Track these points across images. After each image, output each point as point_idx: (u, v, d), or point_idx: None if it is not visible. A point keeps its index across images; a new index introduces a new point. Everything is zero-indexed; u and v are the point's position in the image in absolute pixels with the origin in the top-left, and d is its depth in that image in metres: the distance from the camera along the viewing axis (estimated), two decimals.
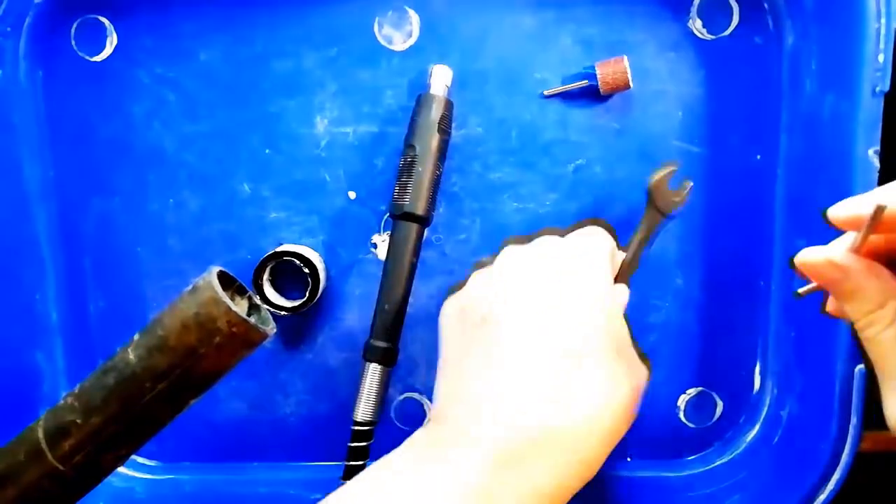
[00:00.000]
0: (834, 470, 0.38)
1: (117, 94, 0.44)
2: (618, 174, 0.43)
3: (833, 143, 0.38)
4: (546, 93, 0.43)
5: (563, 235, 0.39)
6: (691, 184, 0.40)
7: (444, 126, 0.41)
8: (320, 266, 0.43)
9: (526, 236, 0.41)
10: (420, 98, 0.41)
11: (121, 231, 0.45)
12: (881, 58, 0.35)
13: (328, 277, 0.45)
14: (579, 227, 0.39)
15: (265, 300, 0.43)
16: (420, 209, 0.41)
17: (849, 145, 0.36)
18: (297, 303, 0.43)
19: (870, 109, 0.36)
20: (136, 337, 0.28)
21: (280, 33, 0.43)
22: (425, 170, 0.41)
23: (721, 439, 0.46)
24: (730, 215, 0.44)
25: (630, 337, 0.37)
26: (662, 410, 0.46)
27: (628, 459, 0.46)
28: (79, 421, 0.28)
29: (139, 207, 0.45)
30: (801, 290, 0.32)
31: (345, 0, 0.42)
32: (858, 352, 0.37)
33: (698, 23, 0.42)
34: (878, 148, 0.36)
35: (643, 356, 0.37)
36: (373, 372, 0.42)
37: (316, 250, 0.45)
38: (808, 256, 0.29)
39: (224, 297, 0.27)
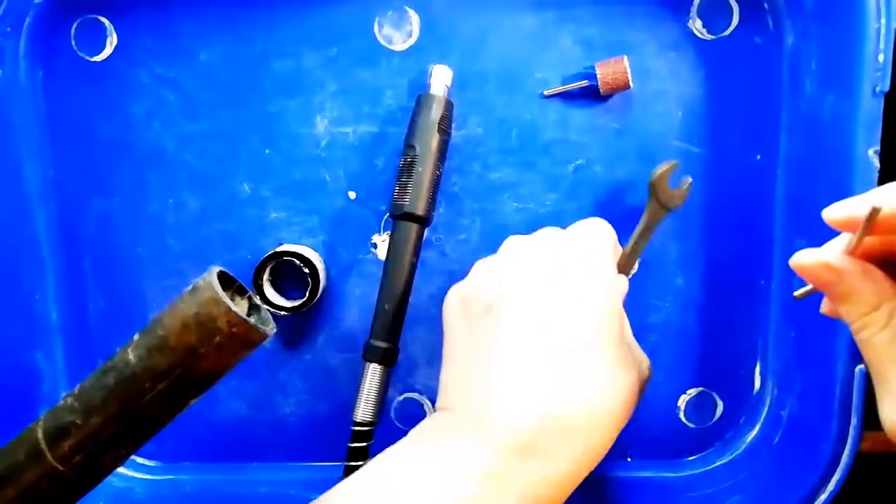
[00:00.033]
0: (834, 470, 0.38)
1: (117, 94, 0.44)
2: (618, 174, 0.43)
3: (833, 143, 0.37)
4: (546, 93, 0.43)
5: None
6: (690, 179, 0.40)
7: (444, 126, 0.41)
8: (320, 266, 0.43)
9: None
10: (420, 98, 0.41)
11: (121, 231, 0.45)
12: (881, 58, 0.35)
13: (328, 277, 0.45)
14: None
15: (265, 300, 0.43)
16: (420, 209, 0.41)
17: (849, 145, 0.36)
18: (297, 303, 0.43)
19: (870, 109, 0.36)
20: (135, 337, 0.28)
21: (280, 33, 0.43)
22: (425, 170, 0.41)
23: (721, 439, 0.46)
24: (730, 215, 0.44)
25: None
26: (663, 410, 0.46)
27: (628, 460, 0.46)
28: (78, 421, 0.28)
29: (139, 207, 0.45)
30: (797, 293, 0.32)
31: (345, 0, 0.42)
32: (859, 352, 0.37)
33: (698, 23, 0.42)
34: (878, 148, 0.36)
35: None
36: (373, 372, 0.42)
37: (316, 250, 0.44)
38: (803, 259, 0.29)
39: (224, 297, 0.27)
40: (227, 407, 0.47)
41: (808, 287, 0.31)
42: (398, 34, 0.43)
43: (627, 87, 0.41)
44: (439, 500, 0.30)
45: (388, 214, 0.44)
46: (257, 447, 0.47)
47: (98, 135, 0.44)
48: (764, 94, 0.42)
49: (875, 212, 0.26)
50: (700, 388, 0.46)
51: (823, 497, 0.39)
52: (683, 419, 0.46)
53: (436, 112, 0.41)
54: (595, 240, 0.37)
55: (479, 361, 0.34)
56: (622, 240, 0.40)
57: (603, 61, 0.41)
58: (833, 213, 0.28)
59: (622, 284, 0.37)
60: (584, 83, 0.42)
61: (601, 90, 0.41)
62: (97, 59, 0.43)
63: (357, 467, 0.41)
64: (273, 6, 0.43)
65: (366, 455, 0.41)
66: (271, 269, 0.43)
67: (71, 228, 0.45)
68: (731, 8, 0.42)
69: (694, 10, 0.42)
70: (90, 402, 0.28)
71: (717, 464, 0.45)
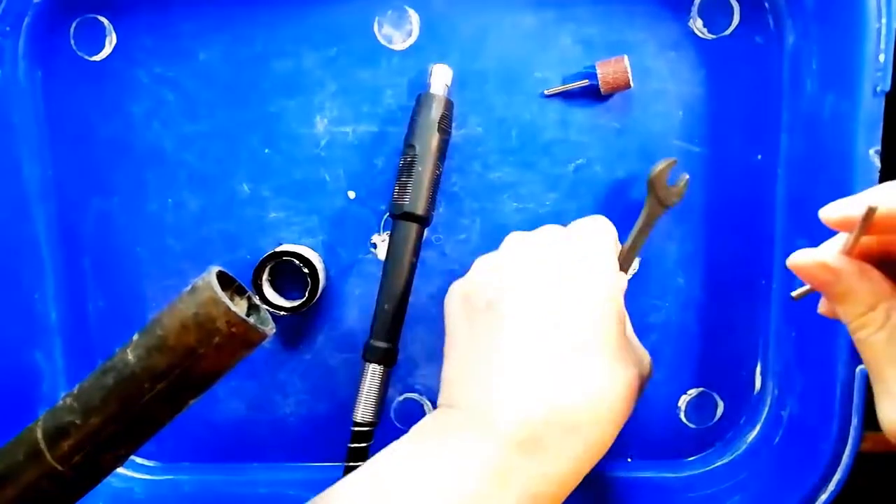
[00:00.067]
0: (835, 471, 0.38)
1: (117, 94, 0.44)
2: (618, 174, 0.43)
3: (834, 143, 0.37)
4: (546, 92, 0.43)
5: None
6: (688, 176, 0.41)
7: (444, 126, 0.41)
8: (320, 266, 0.43)
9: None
10: (420, 98, 0.41)
11: (120, 231, 0.45)
12: (882, 57, 0.35)
13: (328, 277, 0.45)
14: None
15: (264, 300, 0.43)
16: (420, 209, 0.41)
17: (849, 145, 0.36)
18: (296, 303, 0.43)
19: (870, 109, 0.35)
20: (135, 337, 0.28)
21: (280, 33, 0.43)
22: (425, 169, 0.41)
23: (722, 440, 0.46)
24: (730, 215, 0.43)
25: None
26: (663, 411, 0.46)
27: (629, 460, 0.46)
28: (78, 421, 0.28)
29: (139, 207, 0.45)
30: (795, 293, 0.32)
31: (344, 0, 0.42)
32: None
33: (699, 22, 0.42)
34: (878, 148, 0.36)
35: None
36: (373, 372, 0.42)
37: (315, 250, 0.44)
38: (800, 259, 0.29)
39: (223, 297, 0.27)
40: (227, 407, 0.47)
41: (806, 287, 0.31)
42: (398, 33, 0.43)
43: (628, 86, 0.41)
44: (441, 497, 0.30)
45: (387, 214, 0.44)
46: (257, 447, 0.47)
47: (97, 134, 0.44)
48: (764, 94, 0.42)
49: (871, 211, 0.26)
50: (700, 389, 0.46)
51: (824, 497, 0.39)
52: (684, 419, 0.46)
53: (436, 111, 0.41)
54: (596, 238, 0.37)
55: (481, 359, 0.34)
56: (621, 237, 0.40)
57: (603, 61, 0.41)
58: (829, 213, 0.28)
59: (623, 281, 0.37)
60: (585, 83, 0.42)
61: (601, 90, 0.41)
62: (96, 58, 0.43)
63: (357, 468, 0.41)
64: (273, 6, 0.43)
65: (365, 455, 0.41)
66: (271, 269, 0.43)
67: (70, 228, 0.45)
68: (731, 7, 0.42)
69: (694, 9, 0.42)
70: (89, 402, 0.28)
71: (718, 464, 0.45)
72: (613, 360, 0.33)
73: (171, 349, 0.27)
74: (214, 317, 0.27)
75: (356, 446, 0.41)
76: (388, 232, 0.43)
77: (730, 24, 0.42)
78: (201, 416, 0.47)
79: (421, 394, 0.46)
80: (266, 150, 0.44)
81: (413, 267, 0.42)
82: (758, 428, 0.45)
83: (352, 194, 0.44)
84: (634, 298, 0.44)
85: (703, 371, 0.45)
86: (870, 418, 0.35)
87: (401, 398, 0.46)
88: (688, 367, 0.45)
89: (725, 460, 0.45)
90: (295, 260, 0.42)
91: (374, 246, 0.45)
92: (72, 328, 0.46)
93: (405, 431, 0.35)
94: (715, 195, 0.43)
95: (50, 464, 0.28)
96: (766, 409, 0.45)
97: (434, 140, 0.41)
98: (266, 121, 0.43)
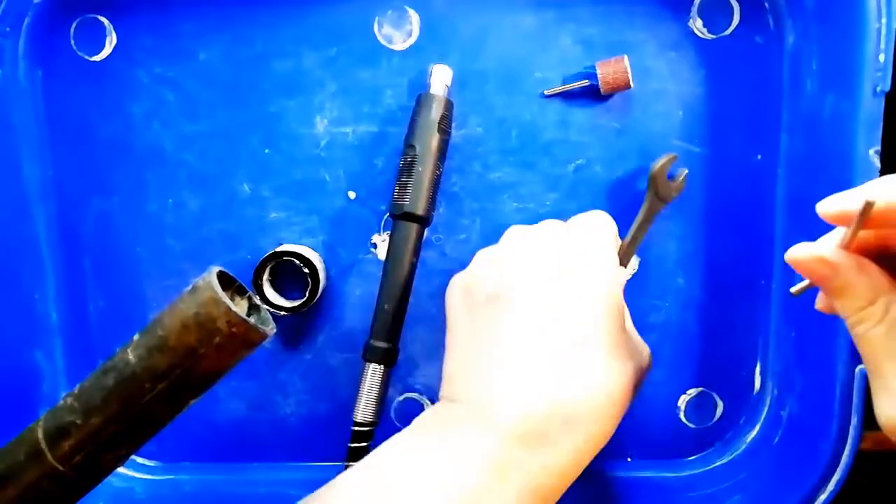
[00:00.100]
0: (834, 470, 0.38)
1: (117, 94, 0.44)
2: (618, 174, 0.43)
3: (834, 143, 0.37)
4: (546, 92, 0.43)
5: None
6: (686, 171, 0.41)
7: (444, 126, 0.41)
8: (320, 266, 0.43)
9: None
10: (420, 98, 0.41)
11: (120, 231, 0.45)
12: (882, 57, 0.35)
13: (328, 277, 0.45)
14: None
15: (265, 300, 0.43)
16: (420, 209, 0.41)
17: (849, 145, 0.36)
18: (296, 303, 0.43)
19: (870, 109, 0.36)
20: (135, 337, 0.28)
21: (280, 33, 0.43)
22: (425, 170, 0.41)
23: (721, 439, 0.46)
24: (730, 215, 0.43)
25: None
26: (663, 411, 0.46)
27: (628, 460, 0.46)
28: (78, 421, 0.28)
29: (139, 207, 0.45)
30: (794, 289, 0.32)
31: (345, 0, 0.42)
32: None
33: (699, 22, 0.42)
34: (878, 148, 0.36)
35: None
36: (373, 372, 0.42)
37: (316, 250, 0.44)
38: (798, 253, 0.29)
39: (224, 297, 0.27)
40: (227, 407, 0.47)
41: (805, 283, 0.31)
42: (398, 34, 0.43)
43: (628, 86, 0.41)
44: (441, 490, 0.30)
45: (387, 214, 0.44)
46: (257, 447, 0.47)
47: (98, 134, 0.44)
48: (764, 94, 0.42)
49: (869, 206, 0.26)
50: (700, 389, 0.46)
51: (823, 497, 0.39)
52: (683, 419, 0.46)
53: (436, 112, 0.41)
54: (596, 233, 0.37)
55: (482, 352, 0.34)
56: (621, 236, 0.40)
57: (603, 61, 0.41)
58: (827, 207, 0.28)
59: (622, 276, 0.37)
60: (585, 83, 0.42)
61: (601, 90, 0.41)
62: (97, 58, 0.43)
63: None
64: (273, 6, 0.43)
65: (366, 455, 0.41)
66: (271, 269, 0.43)
67: (71, 228, 0.45)
68: (731, 7, 0.42)
69: (694, 9, 0.42)
70: (90, 402, 0.28)
71: (717, 464, 0.45)
72: (613, 353, 0.33)
73: (172, 349, 0.28)
74: (215, 317, 0.27)
75: (356, 446, 0.41)
76: (389, 232, 0.43)
77: (730, 24, 0.42)
78: (202, 415, 0.47)
79: (421, 393, 0.46)
80: (266, 151, 0.44)
81: (413, 267, 0.42)
82: (757, 428, 0.45)
83: (352, 194, 0.44)
84: (634, 298, 0.44)
85: (702, 371, 0.45)
86: (869, 418, 0.35)
87: (401, 398, 0.46)
88: (687, 367, 0.45)
89: (725, 460, 0.45)
90: (295, 260, 0.42)
91: (375, 246, 0.45)
92: (72, 328, 0.46)
93: None
94: (715, 195, 0.43)
95: (51, 464, 0.28)
96: (766, 408, 0.45)
97: (434, 140, 0.41)
98: (266, 121, 0.44)
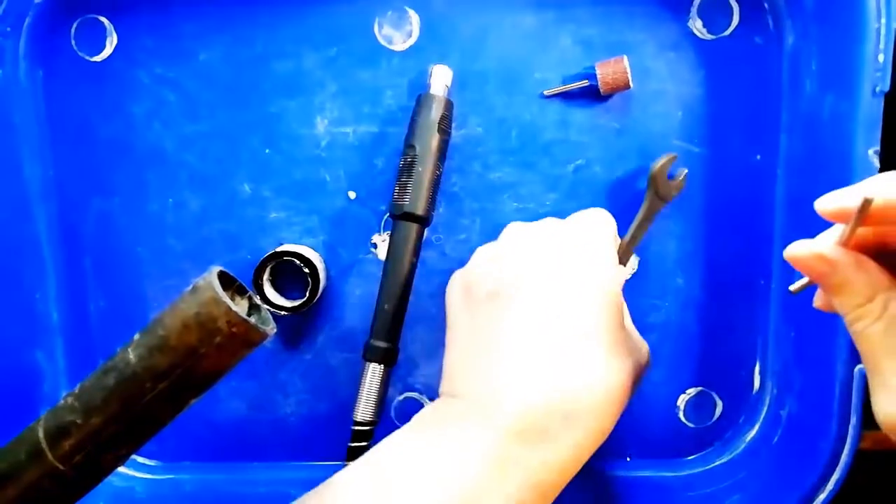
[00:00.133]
0: (834, 469, 0.38)
1: (117, 95, 0.44)
2: (618, 174, 0.43)
3: (833, 143, 0.38)
4: (546, 93, 0.43)
5: None
6: (686, 171, 0.41)
7: (444, 126, 0.41)
8: (320, 266, 0.43)
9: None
10: (420, 98, 0.41)
11: (121, 231, 0.45)
12: (881, 58, 0.35)
13: (328, 277, 0.45)
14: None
15: (265, 300, 0.43)
16: (420, 209, 0.41)
17: (849, 145, 0.36)
18: (297, 303, 0.43)
19: (870, 109, 0.36)
20: (136, 337, 0.28)
21: (280, 34, 0.43)
22: (425, 170, 0.41)
23: (721, 439, 0.46)
24: (730, 215, 0.44)
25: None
26: (662, 410, 0.46)
27: (628, 459, 0.46)
28: (79, 421, 0.28)
29: (139, 207, 0.45)
30: (793, 287, 0.32)
31: (345, 0, 0.42)
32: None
33: (698, 23, 0.42)
34: (877, 148, 0.36)
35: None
36: (373, 372, 0.42)
37: (316, 250, 0.45)
38: (797, 250, 0.29)
39: (224, 297, 0.27)
40: (228, 406, 0.47)
41: (804, 281, 0.31)
42: (398, 34, 0.43)
43: (627, 87, 0.41)
44: (441, 486, 0.31)
45: (388, 214, 0.44)
46: (258, 447, 0.47)
47: (98, 135, 0.44)
48: (764, 94, 0.42)
49: (867, 202, 0.26)
50: (699, 388, 0.46)
51: (823, 496, 0.39)
52: (683, 419, 0.46)
53: (436, 112, 0.41)
54: (596, 230, 0.37)
55: (481, 350, 0.34)
56: (620, 233, 0.40)
57: (603, 61, 0.41)
58: (825, 204, 0.28)
59: (622, 273, 0.37)
60: (584, 83, 0.42)
61: (601, 90, 0.41)
62: (97, 59, 0.43)
63: None
64: (273, 6, 0.43)
65: None
66: (271, 268, 0.43)
67: (71, 228, 0.45)
68: (731, 8, 0.42)
69: (694, 9, 0.42)
70: (91, 401, 0.28)
71: (717, 463, 0.45)
72: (612, 350, 0.33)
73: (173, 349, 0.28)
74: (216, 316, 0.27)
75: (357, 445, 0.42)
76: (389, 232, 0.44)
77: (729, 25, 0.42)
78: (202, 415, 0.47)
79: (421, 393, 0.46)
80: (267, 151, 0.44)
81: (413, 267, 0.42)
82: (757, 427, 0.45)
83: (352, 194, 0.44)
84: (634, 298, 0.44)
85: (702, 370, 0.45)
86: (869, 417, 0.35)
87: (401, 397, 0.46)
88: (687, 367, 0.45)
89: (724, 459, 0.45)
90: (296, 260, 0.42)
91: (375, 246, 0.45)
92: (73, 328, 0.46)
93: None
94: (714, 195, 0.43)
95: (51, 463, 0.28)
96: (765, 408, 0.45)
97: (434, 140, 0.41)
98: (267, 121, 0.44)
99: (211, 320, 0.27)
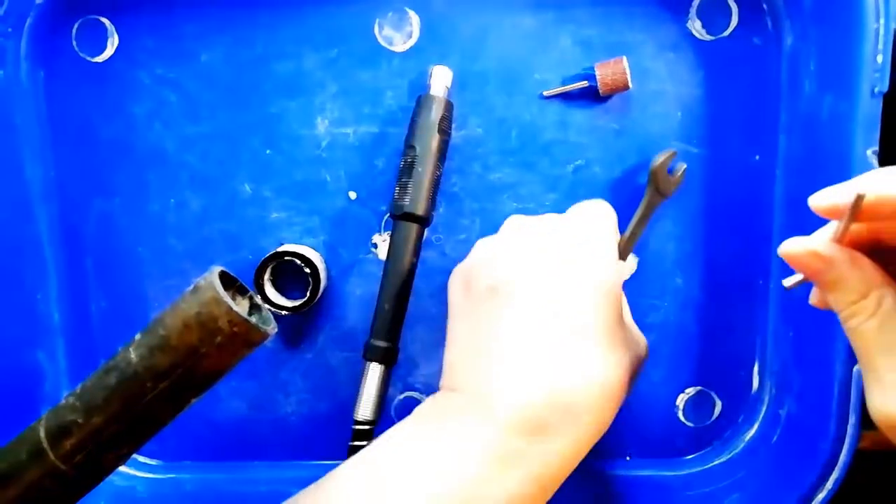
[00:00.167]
0: (832, 469, 0.38)
1: (118, 95, 0.44)
2: (617, 174, 0.43)
3: (832, 144, 0.38)
4: (546, 93, 0.43)
5: None
6: (685, 166, 0.41)
7: (444, 127, 0.41)
8: (321, 266, 0.43)
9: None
10: (420, 99, 0.42)
11: (122, 231, 0.45)
12: (880, 58, 0.35)
13: (329, 277, 0.45)
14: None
15: (266, 300, 0.43)
16: (420, 209, 0.41)
17: (847, 146, 0.36)
18: (297, 302, 0.43)
19: (868, 110, 0.36)
20: (137, 336, 0.29)
21: (281, 34, 0.43)
22: (425, 170, 0.41)
23: (720, 438, 0.46)
24: (729, 215, 0.44)
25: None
26: (661, 410, 0.46)
27: (627, 458, 0.47)
28: (80, 420, 0.28)
29: (140, 208, 0.45)
30: (787, 281, 0.32)
31: (345, 1, 0.42)
32: None
33: (697, 23, 0.42)
34: (876, 148, 0.36)
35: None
36: (373, 371, 0.42)
37: (317, 250, 0.45)
38: (791, 247, 0.29)
39: (225, 296, 0.27)
40: (229, 406, 0.47)
41: (798, 277, 0.31)
42: (398, 35, 0.43)
43: (626, 87, 0.41)
44: (441, 480, 0.31)
45: (388, 214, 0.44)
46: (258, 446, 0.47)
47: (99, 135, 0.44)
48: (763, 95, 0.42)
49: (859, 199, 0.26)
50: (699, 388, 0.46)
51: (822, 496, 0.39)
52: (682, 418, 0.46)
53: (436, 113, 0.41)
54: (596, 223, 0.37)
55: (482, 345, 0.35)
56: (620, 229, 0.40)
57: (602, 62, 0.41)
58: (818, 201, 0.29)
59: (622, 268, 0.37)
60: (584, 84, 0.42)
61: (600, 91, 0.41)
62: (98, 59, 0.44)
63: None
64: (274, 7, 0.43)
65: None
66: (272, 268, 0.43)
67: (72, 229, 0.45)
68: (730, 9, 0.42)
69: (693, 10, 0.42)
70: (92, 401, 0.28)
71: (716, 462, 0.45)
72: (611, 344, 0.33)
73: (174, 348, 0.28)
74: (216, 316, 0.27)
75: (357, 444, 0.42)
76: (389, 232, 0.44)
77: (728, 26, 0.42)
78: (203, 414, 0.47)
79: (421, 392, 0.46)
80: (267, 151, 0.44)
81: (413, 267, 0.42)
82: (756, 427, 0.45)
83: (353, 195, 0.44)
84: (633, 298, 0.44)
85: (701, 370, 0.45)
86: (867, 417, 0.35)
87: (401, 396, 0.46)
88: (686, 367, 0.45)
89: (723, 459, 0.45)
90: (296, 260, 0.42)
91: (375, 246, 0.45)
92: (74, 328, 0.46)
93: None
94: (713, 196, 0.43)
95: (52, 462, 0.28)
96: (764, 407, 0.45)
97: (434, 141, 0.41)
98: (267, 122, 0.44)
99: (212, 320, 0.27)
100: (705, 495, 0.44)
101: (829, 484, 0.39)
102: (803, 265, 0.29)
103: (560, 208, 0.44)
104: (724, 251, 0.44)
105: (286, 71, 0.43)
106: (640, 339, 0.38)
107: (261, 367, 0.46)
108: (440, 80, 0.41)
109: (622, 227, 0.40)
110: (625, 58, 0.41)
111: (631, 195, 0.43)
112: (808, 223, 0.39)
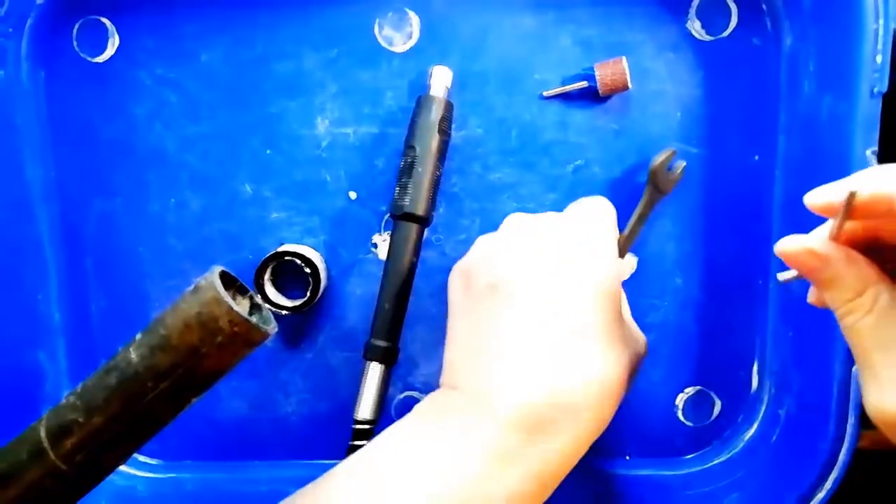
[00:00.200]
0: (832, 469, 0.39)
1: (119, 95, 0.44)
2: (617, 174, 0.43)
3: (831, 144, 0.38)
4: (545, 94, 0.43)
5: None
6: (684, 163, 0.41)
7: (444, 127, 0.41)
8: (321, 266, 0.43)
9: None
10: (420, 99, 0.42)
11: (122, 231, 0.45)
12: (879, 59, 0.35)
13: (329, 277, 0.45)
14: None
15: (266, 300, 0.43)
16: (420, 209, 0.41)
17: (847, 146, 0.36)
18: (298, 302, 0.43)
19: (868, 110, 0.36)
20: (138, 336, 0.29)
21: (281, 34, 0.43)
22: (425, 170, 0.41)
23: (719, 438, 0.46)
24: (728, 216, 0.44)
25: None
26: (661, 409, 0.46)
27: (627, 458, 0.47)
28: (81, 420, 0.28)
29: (141, 208, 0.45)
30: (781, 276, 0.32)
31: (345, 1, 0.42)
32: None
33: (697, 24, 0.42)
34: (875, 148, 0.36)
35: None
36: (373, 371, 0.42)
37: (317, 250, 0.45)
38: (788, 245, 0.29)
39: (226, 296, 0.27)
40: (229, 406, 0.47)
41: (793, 272, 0.31)
42: (398, 35, 0.43)
43: (626, 88, 0.41)
44: (441, 479, 0.31)
45: (388, 214, 0.44)
46: (259, 446, 0.47)
47: (100, 135, 0.44)
48: (762, 95, 0.42)
49: (852, 196, 0.26)
50: (698, 387, 0.46)
51: (821, 495, 0.39)
52: (681, 418, 0.46)
53: (436, 113, 0.41)
54: (595, 221, 0.37)
55: (482, 344, 0.35)
56: (619, 226, 0.41)
57: (602, 62, 0.41)
58: (813, 199, 0.29)
59: (622, 266, 0.37)
60: (584, 84, 0.42)
61: (600, 91, 0.41)
62: (99, 59, 0.44)
63: None
64: (274, 7, 0.43)
65: None
66: (273, 268, 0.43)
67: (73, 229, 0.45)
68: (729, 9, 0.42)
69: (692, 11, 0.42)
70: (92, 401, 0.28)
71: (715, 462, 0.45)
72: (610, 342, 0.33)
73: (174, 348, 0.28)
74: (217, 316, 0.27)
75: (357, 444, 0.42)
76: (389, 232, 0.44)
77: (728, 26, 0.42)
78: (204, 414, 0.47)
79: (421, 392, 0.46)
80: (268, 151, 0.44)
81: (413, 267, 0.42)
82: (755, 426, 0.45)
83: (353, 195, 0.44)
84: (633, 298, 0.44)
85: (700, 370, 0.45)
86: (866, 416, 0.35)
87: (401, 396, 0.47)
88: (685, 366, 0.45)
89: (723, 458, 0.45)
90: (297, 260, 0.42)
91: (375, 246, 0.45)
92: (75, 328, 0.46)
93: None
94: (713, 196, 0.43)
95: (53, 462, 0.28)
96: (764, 407, 0.45)
97: (434, 141, 0.41)
98: (267, 122, 0.44)
99: (212, 320, 0.27)
100: (705, 495, 0.44)
101: (829, 483, 0.39)
102: (799, 263, 0.29)
103: (560, 208, 0.43)
104: (723, 251, 0.44)
105: (286, 71, 0.43)
106: (640, 337, 0.38)
107: (261, 367, 0.46)
108: (440, 80, 0.41)
109: (621, 225, 0.40)
110: (624, 58, 0.41)
111: (630, 195, 0.43)
112: (808, 223, 0.40)
